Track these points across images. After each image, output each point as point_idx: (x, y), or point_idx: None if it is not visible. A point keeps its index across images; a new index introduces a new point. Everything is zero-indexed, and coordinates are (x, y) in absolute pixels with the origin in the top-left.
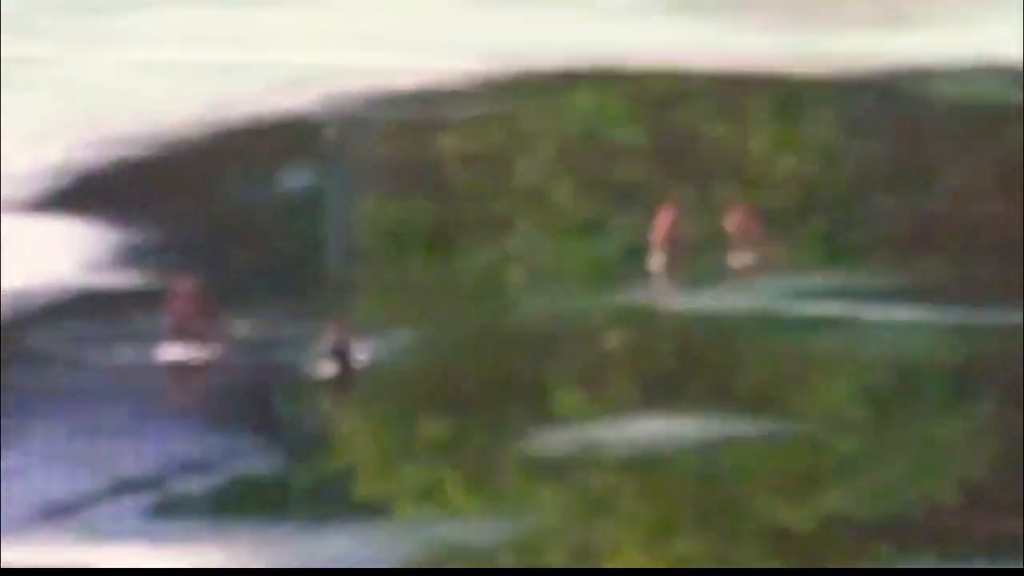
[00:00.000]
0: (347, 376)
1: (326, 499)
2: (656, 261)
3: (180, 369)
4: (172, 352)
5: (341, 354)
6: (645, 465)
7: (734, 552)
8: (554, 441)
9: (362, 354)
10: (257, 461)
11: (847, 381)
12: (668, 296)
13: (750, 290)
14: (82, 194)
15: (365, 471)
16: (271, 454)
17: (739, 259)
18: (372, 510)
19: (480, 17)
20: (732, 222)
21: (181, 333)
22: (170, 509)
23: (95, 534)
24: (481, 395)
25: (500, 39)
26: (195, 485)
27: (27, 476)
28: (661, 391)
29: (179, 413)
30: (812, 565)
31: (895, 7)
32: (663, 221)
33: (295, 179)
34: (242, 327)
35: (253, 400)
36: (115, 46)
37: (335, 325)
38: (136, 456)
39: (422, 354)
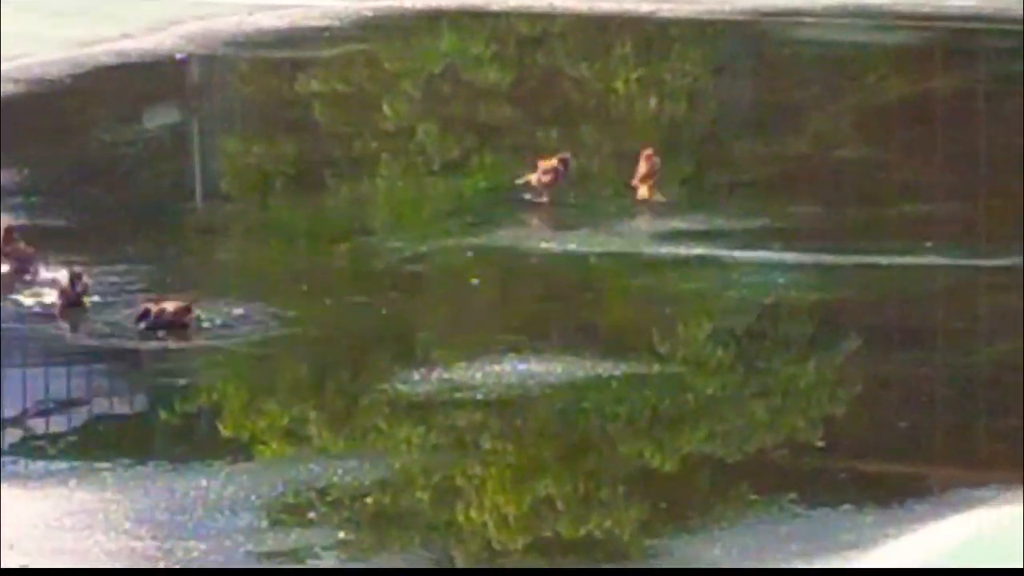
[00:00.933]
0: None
1: (191, 439)
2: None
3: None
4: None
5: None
6: (509, 405)
7: (597, 491)
8: (418, 382)
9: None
10: (120, 403)
11: (710, 322)
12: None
13: (612, 231)
14: None
15: (229, 411)
16: (133, 396)
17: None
18: (237, 449)
19: None
20: (642, 163)
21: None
22: (34, 450)
23: None
24: (345, 336)
25: None
26: (59, 426)
27: None
28: (526, 332)
29: (38, 358)
30: (675, 504)
31: None
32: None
33: (159, 119)
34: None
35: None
36: None
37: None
38: None
39: (288, 295)
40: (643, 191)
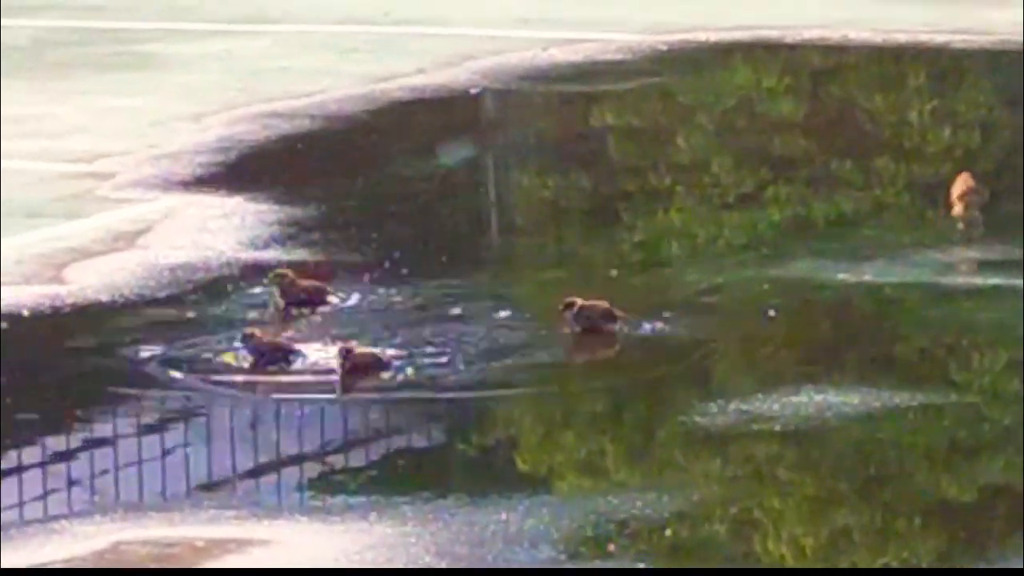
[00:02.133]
0: None
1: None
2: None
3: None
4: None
5: None
6: (806, 436)
7: (895, 523)
8: (715, 414)
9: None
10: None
11: (1007, 352)
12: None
13: (908, 262)
14: (243, 170)
15: (527, 444)
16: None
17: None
18: (537, 483)
19: None
20: (958, 188)
21: None
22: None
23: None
24: (643, 368)
25: (657, 16)
26: (357, 461)
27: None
28: (823, 363)
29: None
30: (973, 535)
31: None
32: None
33: (454, 154)
34: None
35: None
36: (272, 22)
37: None
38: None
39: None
40: (959, 208)
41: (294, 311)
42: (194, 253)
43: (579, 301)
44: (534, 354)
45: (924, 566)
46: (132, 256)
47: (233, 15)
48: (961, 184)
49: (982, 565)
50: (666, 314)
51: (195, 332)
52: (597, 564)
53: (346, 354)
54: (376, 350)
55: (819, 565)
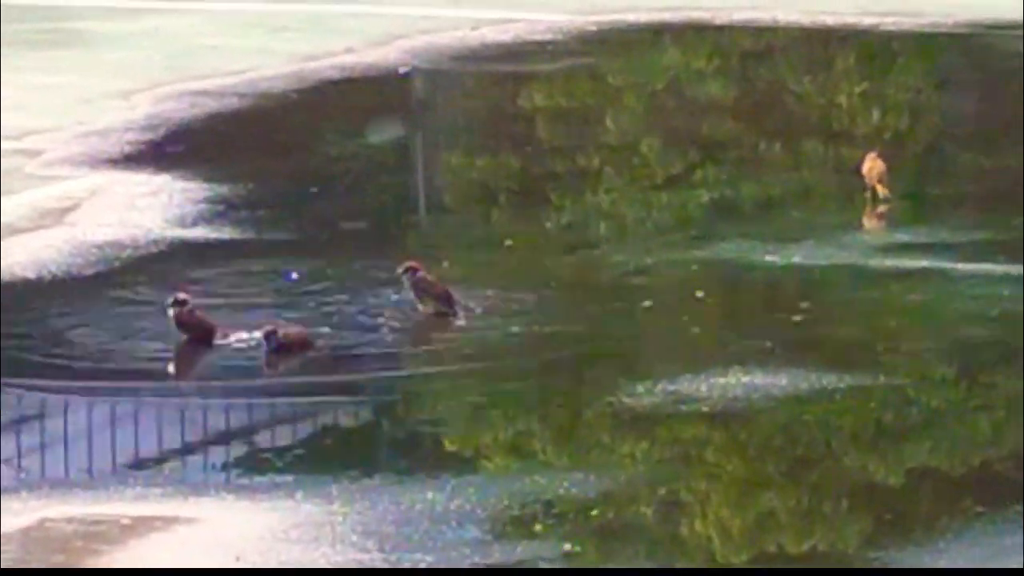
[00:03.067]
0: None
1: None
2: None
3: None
4: None
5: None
6: (734, 418)
7: (821, 505)
8: (643, 395)
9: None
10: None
11: (934, 334)
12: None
13: (835, 243)
14: (171, 148)
15: (454, 426)
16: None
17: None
18: (462, 463)
19: None
20: (867, 168)
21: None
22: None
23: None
24: (570, 350)
25: None
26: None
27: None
28: (750, 344)
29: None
30: (899, 518)
31: None
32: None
33: (383, 132)
34: None
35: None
36: (202, 0)
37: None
38: None
39: (513, 307)
40: (881, 189)
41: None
42: (121, 231)
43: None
44: (456, 336)
45: (849, 549)
46: (59, 233)
47: None
48: (871, 164)
49: (908, 547)
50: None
51: (120, 308)
52: (523, 544)
53: (270, 334)
54: (302, 329)
55: (744, 546)
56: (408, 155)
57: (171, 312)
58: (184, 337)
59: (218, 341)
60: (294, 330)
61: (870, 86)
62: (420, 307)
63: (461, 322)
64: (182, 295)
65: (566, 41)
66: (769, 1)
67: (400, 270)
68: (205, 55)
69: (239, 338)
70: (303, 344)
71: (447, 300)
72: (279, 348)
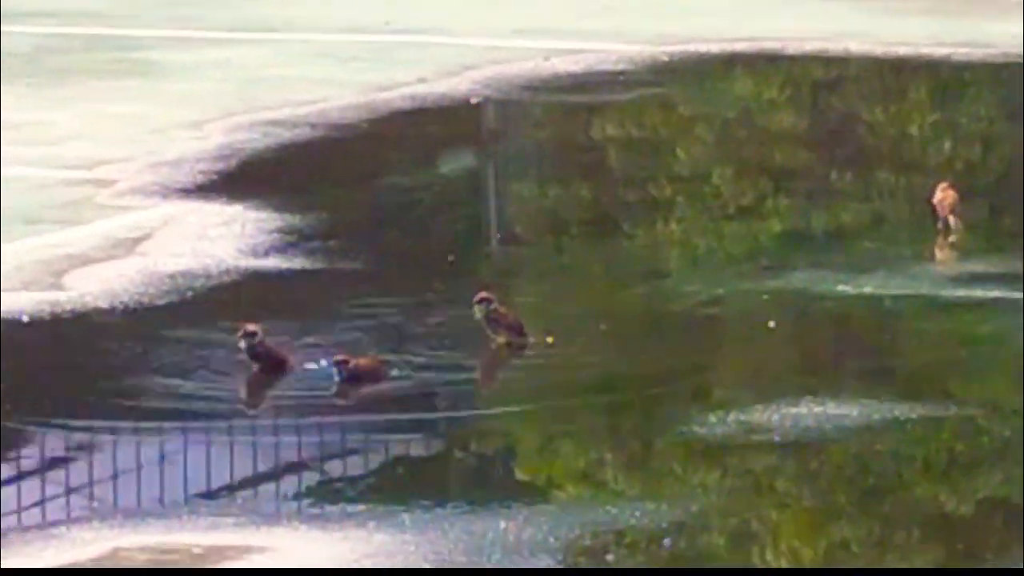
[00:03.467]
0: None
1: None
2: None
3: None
4: None
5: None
6: (805, 448)
7: (893, 536)
8: (714, 425)
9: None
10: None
11: (1006, 365)
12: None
13: (907, 274)
14: (243, 178)
15: (526, 453)
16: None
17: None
18: (535, 493)
19: (639, 5)
20: (939, 198)
21: None
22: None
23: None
24: (642, 380)
25: (658, 27)
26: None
27: None
28: (822, 375)
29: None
30: (971, 548)
31: None
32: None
33: (454, 163)
34: None
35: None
36: (273, 31)
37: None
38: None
39: (585, 337)
40: (954, 220)
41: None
42: (193, 261)
43: (495, 304)
44: (529, 366)
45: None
46: (131, 263)
47: (234, 23)
48: (943, 195)
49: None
50: (664, 325)
51: (193, 339)
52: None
53: (343, 364)
54: (373, 359)
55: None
56: (480, 185)
57: (243, 344)
58: (256, 367)
59: (292, 371)
60: (365, 360)
61: (942, 116)
62: (493, 337)
63: (532, 353)
64: (252, 326)
65: (637, 71)
66: (841, 30)
67: (475, 300)
68: (276, 85)
69: (310, 367)
70: (375, 374)
71: (519, 331)
72: (351, 378)
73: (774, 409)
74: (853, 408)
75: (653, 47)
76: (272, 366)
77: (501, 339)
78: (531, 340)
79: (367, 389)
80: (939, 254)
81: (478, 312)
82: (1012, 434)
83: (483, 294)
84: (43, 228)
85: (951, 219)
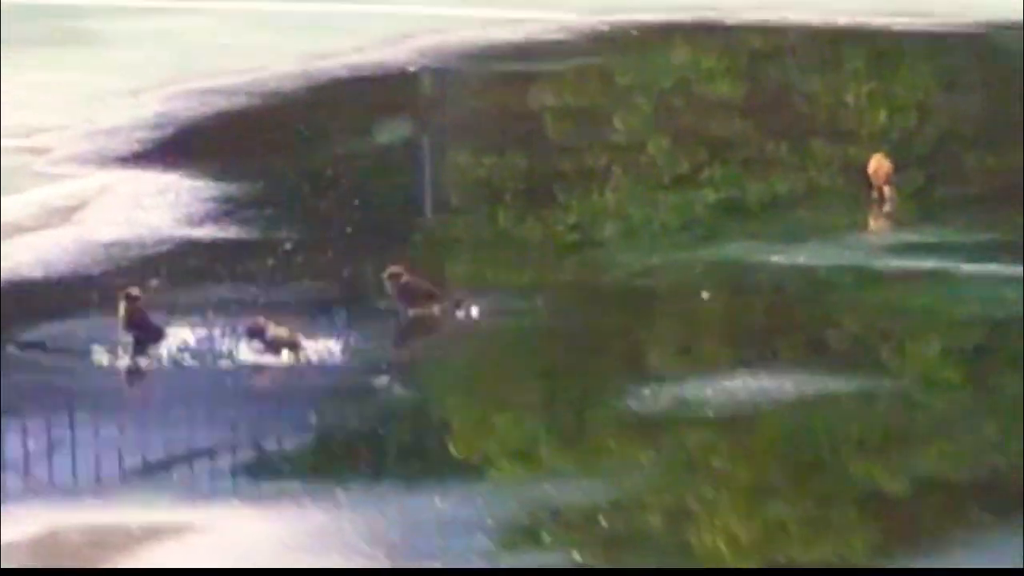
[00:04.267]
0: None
1: (424, 459)
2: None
3: None
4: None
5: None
6: (740, 423)
7: (828, 512)
8: (648, 398)
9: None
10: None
11: (941, 338)
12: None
13: (841, 244)
14: (179, 147)
15: (462, 429)
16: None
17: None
18: (467, 472)
19: None
20: (874, 168)
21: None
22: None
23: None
24: (576, 352)
25: None
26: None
27: None
28: (756, 347)
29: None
30: (906, 526)
31: None
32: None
33: (390, 132)
34: None
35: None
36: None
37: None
38: None
39: (518, 310)
40: (888, 189)
41: None
42: (129, 230)
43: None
44: (460, 337)
45: (856, 558)
46: (67, 232)
47: None
48: (878, 165)
49: (916, 555)
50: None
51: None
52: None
53: (256, 331)
54: (291, 331)
55: (752, 553)
56: (416, 154)
57: (121, 309)
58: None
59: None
60: (284, 330)
61: (879, 86)
62: (407, 310)
63: (464, 323)
64: (135, 291)
65: (576, 40)
66: (781, 1)
67: (385, 276)
68: (214, 54)
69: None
70: (294, 343)
71: (433, 298)
72: (269, 347)
73: (708, 383)
74: (787, 381)
75: (592, 16)
76: (148, 336)
77: (415, 311)
78: (451, 310)
79: (289, 358)
80: (874, 224)
81: (389, 288)
82: (945, 409)
83: (392, 268)
84: None
85: (886, 189)
